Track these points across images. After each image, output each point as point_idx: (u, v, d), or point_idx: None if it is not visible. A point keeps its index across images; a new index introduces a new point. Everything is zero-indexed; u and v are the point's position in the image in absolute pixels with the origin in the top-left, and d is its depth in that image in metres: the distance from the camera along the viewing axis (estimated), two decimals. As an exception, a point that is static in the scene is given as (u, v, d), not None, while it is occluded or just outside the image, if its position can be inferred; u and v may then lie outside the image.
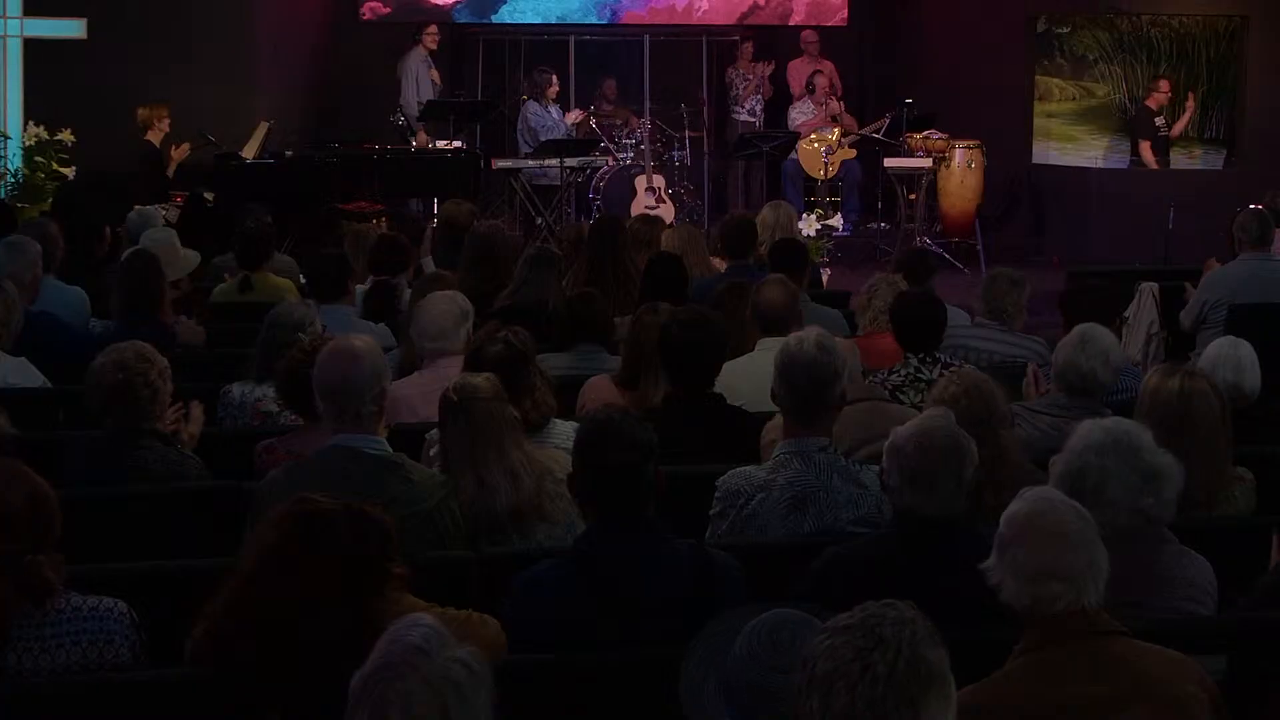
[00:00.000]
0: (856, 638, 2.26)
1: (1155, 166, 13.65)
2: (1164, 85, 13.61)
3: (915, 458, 3.55)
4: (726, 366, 5.21)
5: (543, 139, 13.71)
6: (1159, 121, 13.63)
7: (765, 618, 2.61)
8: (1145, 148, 13.61)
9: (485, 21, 15.35)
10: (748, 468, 4.29)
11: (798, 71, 14.99)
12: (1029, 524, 3.02)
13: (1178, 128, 13.86)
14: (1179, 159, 14.23)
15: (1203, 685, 2.99)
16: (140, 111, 11.65)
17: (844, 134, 14.00)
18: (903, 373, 5.57)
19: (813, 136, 14.01)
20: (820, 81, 14.45)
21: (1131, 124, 14.00)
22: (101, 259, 8.34)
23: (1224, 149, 14.23)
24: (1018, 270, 6.74)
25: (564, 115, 14.47)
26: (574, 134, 14.19)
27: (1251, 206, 8.42)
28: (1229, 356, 5.18)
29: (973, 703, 2.85)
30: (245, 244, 7.95)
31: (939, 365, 5.56)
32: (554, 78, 14.46)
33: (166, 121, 11.65)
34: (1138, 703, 2.91)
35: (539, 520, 4.15)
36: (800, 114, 14.57)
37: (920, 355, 5.59)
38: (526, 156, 13.68)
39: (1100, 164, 14.28)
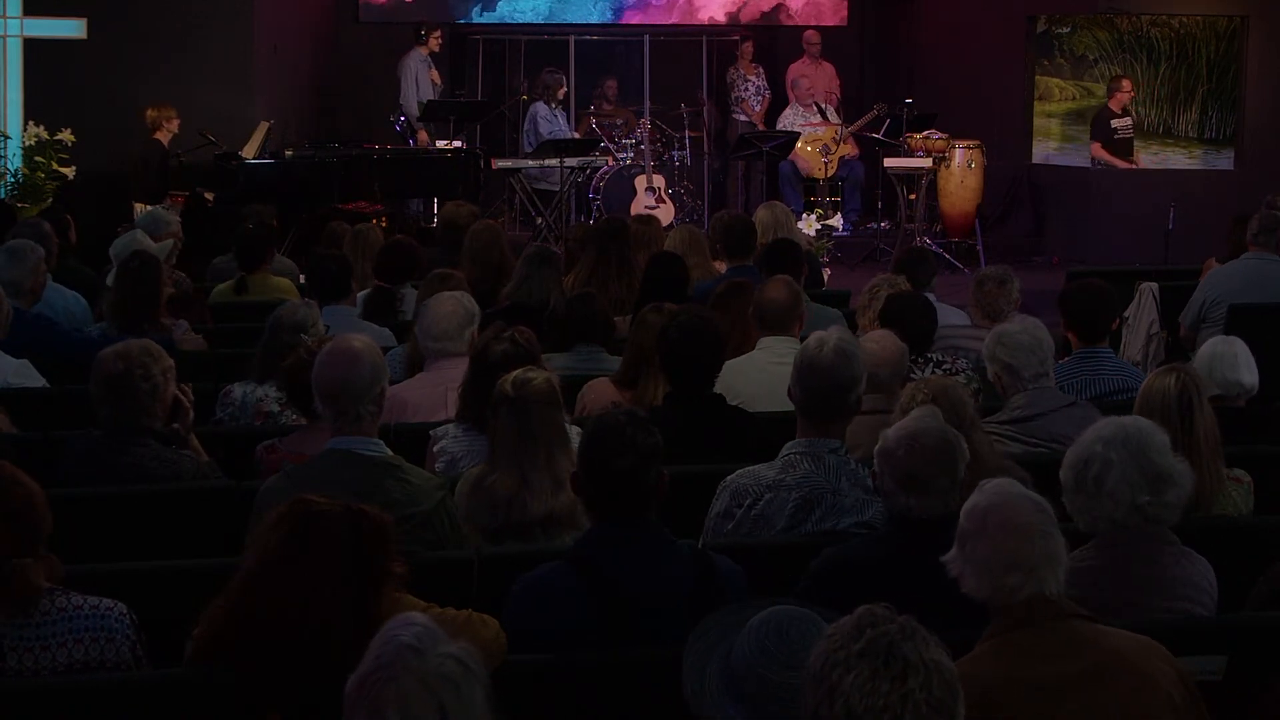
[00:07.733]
0: (881, 665, 2.28)
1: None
2: (1126, 85, 13.46)
3: (907, 460, 3.56)
4: (727, 365, 5.20)
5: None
6: (1115, 124, 13.39)
7: (771, 614, 2.60)
8: (1096, 148, 13.45)
9: (482, 21, 15.35)
10: (755, 467, 4.24)
11: (798, 73, 14.97)
12: (987, 517, 3.06)
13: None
14: (1180, 159, 14.21)
15: (1170, 663, 3.01)
16: (149, 112, 11.65)
17: (836, 133, 13.98)
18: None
19: (808, 135, 14.01)
20: (804, 85, 14.46)
21: (1091, 124, 13.84)
22: (68, 247, 8.35)
23: (1224, 149, 14.19)
24: (1001, 268, 6.74)
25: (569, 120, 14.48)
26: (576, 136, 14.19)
27: (1262, 208, 8.41)
28: (1225, 354, 5.17)
29: None
30: (244, 246, 7.94)
31: (930, 365, 5.56)
32: (563, 79, 14.46)
33: (175, 123, 11.65)
34: (1107, 679, 2.92)
35: (571, 529, 4.03)
36: (795, 116, 14.52)
37: (913, 356, 5.59)
38: (527, 156, 13.67)
39: (1054, 161, 14.26)
